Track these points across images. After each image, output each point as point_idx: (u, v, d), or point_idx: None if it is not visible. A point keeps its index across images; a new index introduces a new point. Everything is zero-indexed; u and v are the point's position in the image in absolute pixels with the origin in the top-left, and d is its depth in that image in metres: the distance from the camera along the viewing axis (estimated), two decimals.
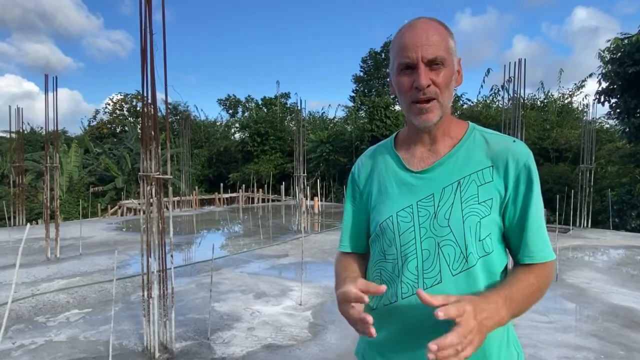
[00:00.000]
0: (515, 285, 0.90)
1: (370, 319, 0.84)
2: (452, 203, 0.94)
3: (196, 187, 16.71)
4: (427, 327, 0.91)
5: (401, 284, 0.97)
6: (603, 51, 10.25)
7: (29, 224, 2.39)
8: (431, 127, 0.98)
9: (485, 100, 18.67)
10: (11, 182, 10.25)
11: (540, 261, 0.94)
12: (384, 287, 0.84)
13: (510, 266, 1.00)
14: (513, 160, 0.94)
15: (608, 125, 14.78)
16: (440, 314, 0.75)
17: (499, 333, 0.96)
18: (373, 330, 0.83)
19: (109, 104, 28.79)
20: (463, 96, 18.97)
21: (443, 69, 0.93)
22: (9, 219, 9.40)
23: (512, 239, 0.97)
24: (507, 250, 1.01)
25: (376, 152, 1.13)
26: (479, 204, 0.93)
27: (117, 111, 28.59)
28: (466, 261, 0.93)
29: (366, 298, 0.84)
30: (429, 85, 0.92)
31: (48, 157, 6.62)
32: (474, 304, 0.79)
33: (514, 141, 0.97)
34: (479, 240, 0.93)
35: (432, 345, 0.73)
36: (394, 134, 1.15)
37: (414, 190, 0.99)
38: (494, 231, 0.95)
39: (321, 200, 13.72)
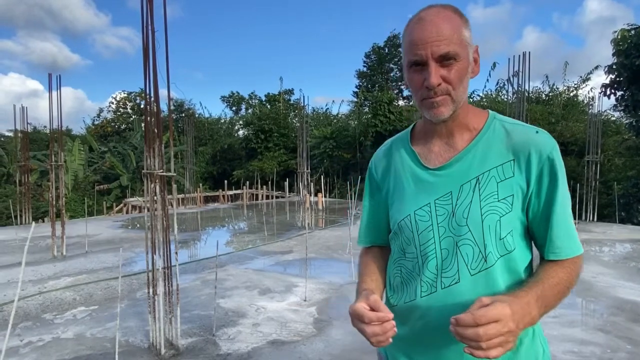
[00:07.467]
0: (546, 282, 0.86)
1: (389, 323, 0.84)
2: (471, 201, 0.91)
3: (200, 185, 16.76)
4: (448, 325, 0.90)
5: (420, 283, 0.95)
6: (612, 41, 10.09)
7: (34, 222, 2.41)
8: (445, 120, 0.94)
9: (491, 95, 18.52)
10: (17, 181, 10.34)
11: (567, 257, 0.91)
12: (391, 315, 0.85)
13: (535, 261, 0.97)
14: (536, 152, 0.90)
15: (614, 118, 14.65)
16: (481, 318, 0.72)
17: None
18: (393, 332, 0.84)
19: (112, 102, 28.98)
20: (474, 92, 18.72)
21: (456, 63, 0.88)
22: (16, 217, 9.48)
23: (537, 234, 0.93)
24: (531, 245, 0.97)
25: (392, 147, 1.10)
26: (498, 201, 0.90)
27: (121, 109, 28.73)
28: (485, 261, 0.90)
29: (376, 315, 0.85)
30: (439, 84, 0.88)
31: (53, 156, 6.65)
32: (512, 308, 0.75)
33: (537, 132, 0.92)
34: (500, 239, 0.90)
35: (453, 320, 0.75)
36: (410, 126, 1.10)
37: (431, 188, 0.96)
38: (516, 228, 0.92)
39: (325, 197, 13.72)
